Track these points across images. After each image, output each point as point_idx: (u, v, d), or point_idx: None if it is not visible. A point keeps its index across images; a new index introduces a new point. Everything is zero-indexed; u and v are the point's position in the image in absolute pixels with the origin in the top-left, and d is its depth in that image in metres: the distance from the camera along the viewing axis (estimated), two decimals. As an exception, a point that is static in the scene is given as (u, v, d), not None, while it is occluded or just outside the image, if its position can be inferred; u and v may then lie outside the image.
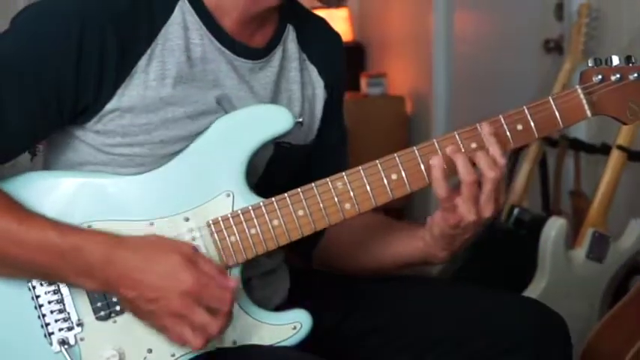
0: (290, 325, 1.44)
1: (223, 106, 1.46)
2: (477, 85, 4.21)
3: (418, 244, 1.53)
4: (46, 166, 1.53)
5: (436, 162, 1.41)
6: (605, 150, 2.89)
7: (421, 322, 1.56)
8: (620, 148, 2.75)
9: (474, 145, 1.43)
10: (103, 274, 1.34)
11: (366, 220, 1.60)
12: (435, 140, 1.44)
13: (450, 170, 1.42)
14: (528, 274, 2.78)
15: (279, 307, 1.54)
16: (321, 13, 1.73)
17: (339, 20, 4.90)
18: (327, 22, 1.70)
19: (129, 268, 1.34)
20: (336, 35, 1.71)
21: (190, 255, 1.35)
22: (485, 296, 1.61)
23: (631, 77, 1.45)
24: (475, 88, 4.22)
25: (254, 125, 1.44)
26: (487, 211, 1.42)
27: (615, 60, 1.45)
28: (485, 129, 1.43)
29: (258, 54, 1.51)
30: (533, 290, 2.70)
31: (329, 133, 1.66)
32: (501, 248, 3.16)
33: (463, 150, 1.43)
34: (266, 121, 1.44)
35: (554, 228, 2.72)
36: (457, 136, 1.44)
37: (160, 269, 1.34)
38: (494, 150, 1.42)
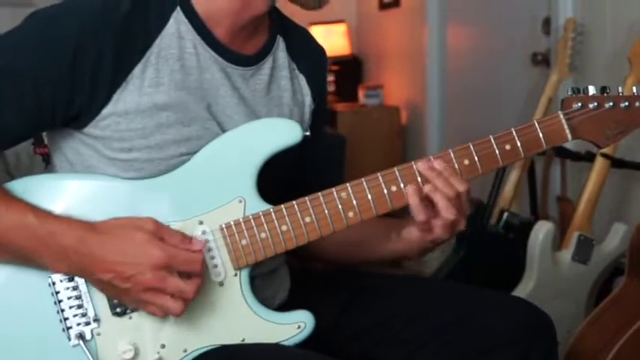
0: (295, 325, 1.46)
1: (213, 113, 1.47)
2: (468, 96, 4.22)
3: (400, 246, 1.58)
4: (53, 169, 1.53)
5: (412, 190, 1.46)
6: (589, 158, 2.90)
7: (415, 320, 1.57)
8: (603, 155, 2.76)
9: (466, 162, 1.49)
10: (77, 259, 1.34)
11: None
12: (431, 157, 1.49)
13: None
14: (517, 274, 2.79)
15: (281, 306, 1.56)
16: (319, 28, 1.72)
17: (338, 35, 4.92)
18: (312, 35, 1.72)
19: (103, 251, 1.34)
20: (321, 48, 1.73)
21: (154, 230, 1.36)
22: (476, 295, 1.61)
23: (606, 105, 1.52)
24: (467, 99, 4.23)
25: (266, 136, 1.46)
26: (461, 226, 1.49)
27: (591, 90, 1.52)
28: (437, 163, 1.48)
29: (249, 61, 1.52)
30: (522, 290, 2.70)
31: (316, 138, 1.65)
32: (492, 250, 3.17)
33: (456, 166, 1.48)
34: (278, 133, 1.46)
35: (542, 231, 2.72)
36: (452, 154, 1.49)
37: (130, 249, 1.34)
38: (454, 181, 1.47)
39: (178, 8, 1.45)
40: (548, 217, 3.10)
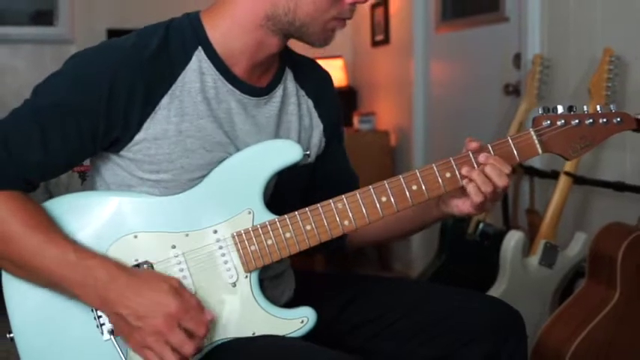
0: (299, 320, 1.45)
1: (232, 139, 1.47)
2: (449, 121, 4.21)
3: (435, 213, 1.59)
4: (92, 187, 1.53)
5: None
6: (554, 175, 2.90)
7: (406, 315, 1.57)
8: (567, 173, 2.77)
9: (448, 175, 1.46)
10: (104, 293, 1.34)
11: None
12: (416, 170, 1.47)
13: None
14: (491, 277, 2.79)
15: (287, 305, 1.55)
16: (319, 62, 1.71)
17: (336, 69, 4.92)
18: (317, 62, 1.71)
19: (127, 289, 1.33)
20: (326, 73, 1.72)
21: (177, 286, 1.36)
22: (456, 295, 1.61)
23: (573, 123, 1.50)
24: (448, 124, 4.23)
25: (270, 156, 1.46)
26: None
27: (560, 109, 1.50)
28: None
29: (261, 92, 1.52)
30: (495, 291, 2.70)
31: (333, 154, 1.68)
32: (470, 256, 3.17)
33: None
34: (280, 153, 1.46)
35: (513, 239, 2.73)
36: (434, 167, 1.47)
37: (151, 294, 1.34)
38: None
39: (200, 47, 1.46)
40: (518, 227, 3.09)
